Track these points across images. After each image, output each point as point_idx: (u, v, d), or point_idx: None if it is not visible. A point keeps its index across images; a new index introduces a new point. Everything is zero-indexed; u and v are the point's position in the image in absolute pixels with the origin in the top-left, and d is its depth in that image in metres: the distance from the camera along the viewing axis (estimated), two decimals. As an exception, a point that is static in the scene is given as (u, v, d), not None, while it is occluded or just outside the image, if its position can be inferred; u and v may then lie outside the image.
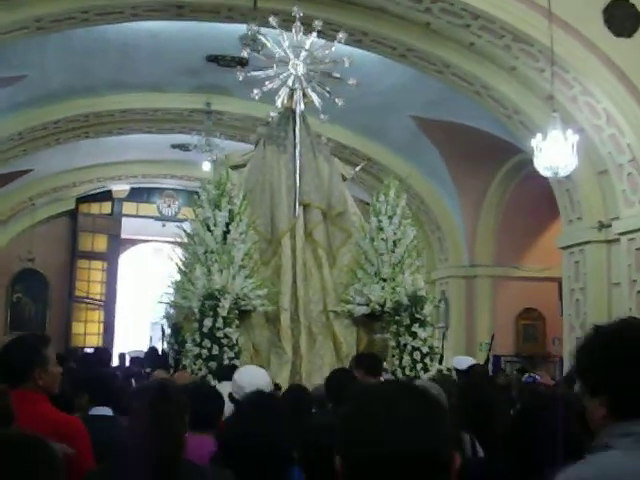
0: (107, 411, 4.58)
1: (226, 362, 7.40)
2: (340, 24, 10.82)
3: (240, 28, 10.66)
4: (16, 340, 3.79)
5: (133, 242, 23.95)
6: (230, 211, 8.14)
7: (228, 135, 15.79)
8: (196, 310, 7.76)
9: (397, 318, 8.20)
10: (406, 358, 8.05)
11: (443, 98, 12.93)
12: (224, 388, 5.05)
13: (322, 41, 8.95)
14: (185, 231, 8.79)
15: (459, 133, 13.84)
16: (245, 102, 13.17)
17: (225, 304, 7.63)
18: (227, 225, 8.09)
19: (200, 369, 7.47)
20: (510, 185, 15.27)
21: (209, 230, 8.09)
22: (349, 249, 8.89)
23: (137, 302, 23.52)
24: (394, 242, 8.60)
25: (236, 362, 7.42)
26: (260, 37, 10.36)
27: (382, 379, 6.13)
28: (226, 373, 6.55)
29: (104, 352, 11.33)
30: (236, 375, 5.37)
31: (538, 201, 14.70)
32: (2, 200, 18.74)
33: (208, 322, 7.59)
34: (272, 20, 8.71)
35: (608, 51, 9.96)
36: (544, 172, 9.75)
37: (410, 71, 12.19)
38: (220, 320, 7.60)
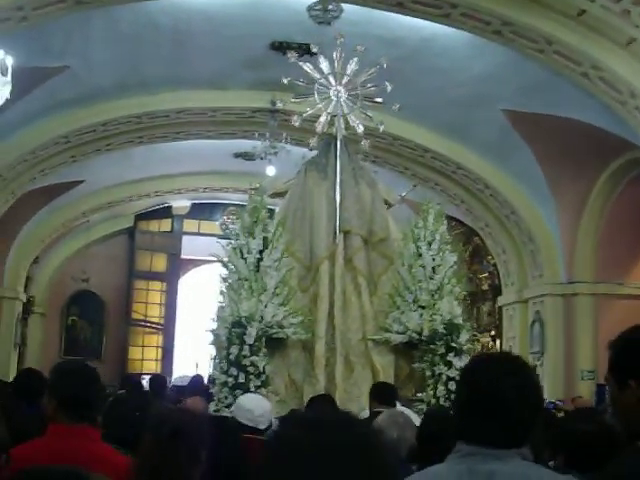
0: None
1: (252, 390, 7.35)
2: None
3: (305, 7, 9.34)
4: (75, 368, 3.44)
5: (195, 263, 22.67)
6: (264, 238, 8.14)
7: (295, 139, 14.27)
8: (224, 338, 7.84)
9: (432, 347, 8.08)
10: (440, 388, 7.89)
11: (539, 86, 11.29)
12: None
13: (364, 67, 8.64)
14: (221, 260, 8.60)
15: (556, 128, 12.11)
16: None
17: (252, 332, 7.67)
18: (261, 252, 8.13)
19: (226, 397, 7.46)
20: (616, 189, 13.35)
21: (242, 258, 8.12)
22: (390, 276, 8.75)
23: (200, 326, 22.20)
24: (433, 269, 8.47)
25: (262, 390, 7.44)
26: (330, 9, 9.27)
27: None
28: None
29: (158, 380, 10.97)
30: (241, 401, 5.36)
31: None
32: (54, 214, 17.59)
33: (235, 350, 7.64)
34: None
35: None
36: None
37: (502, 54, 10.65)
38: (247, 348, 7.64)
